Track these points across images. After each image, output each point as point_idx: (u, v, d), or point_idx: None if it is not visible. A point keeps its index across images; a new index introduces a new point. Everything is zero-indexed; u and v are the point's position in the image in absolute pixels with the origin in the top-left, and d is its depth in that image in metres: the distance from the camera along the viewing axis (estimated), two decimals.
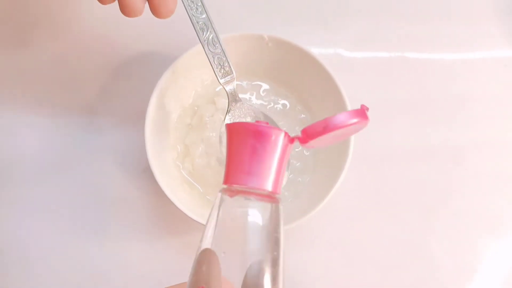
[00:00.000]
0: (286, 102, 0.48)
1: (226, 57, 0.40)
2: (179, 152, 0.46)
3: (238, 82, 0.48)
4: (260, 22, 0.53)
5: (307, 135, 0.27)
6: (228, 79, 0.41)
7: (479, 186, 0.50)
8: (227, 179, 0.28)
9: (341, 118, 0.26)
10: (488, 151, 0.51)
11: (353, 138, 0.43)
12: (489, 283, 0.48)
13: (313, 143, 0.28)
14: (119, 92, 0.50)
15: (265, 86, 0.48)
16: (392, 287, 0.48)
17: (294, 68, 0.46)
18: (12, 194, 0.48)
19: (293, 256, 0.47)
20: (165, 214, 0.47)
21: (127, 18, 0.37)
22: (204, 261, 0.26)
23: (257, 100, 0.48)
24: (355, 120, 0.26)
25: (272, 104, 0.48)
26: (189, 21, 0.39)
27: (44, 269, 0.46)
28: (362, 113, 0.27)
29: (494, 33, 0.54)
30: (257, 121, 0.29)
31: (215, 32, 0.39)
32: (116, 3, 0.36)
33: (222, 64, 0.40)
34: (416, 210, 0.49)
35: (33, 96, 0.50)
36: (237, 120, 0.42)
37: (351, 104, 0.44)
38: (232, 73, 0.40)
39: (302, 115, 0.48)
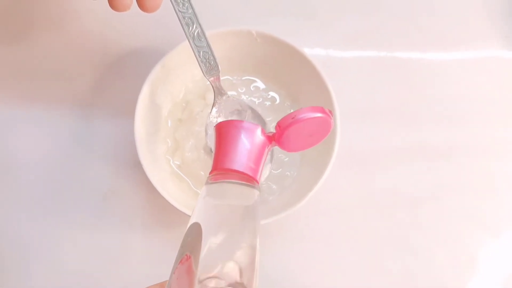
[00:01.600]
0: (275, 97, 0.49)
1: (211, 52, 0.41)
2: (169, 146, 0.47)
3: (228, 77, 0.48)
4: (253, 18, 0.53)
5: (280, 128, 0.31)
6: (213, 73, 0.42)
7: (471, 185, 0.51)
8: (211, 169, 0.32)
9: (306, 110, 0.31)
10: (480, 150, 0.51)
11: (339, 134, 0.43)
12: (486, 282, 0.49)
13: (289, 142, 0.32)
14: (111, 86, 0.51)
15: (254, 81, 0.49)
16: (381, 283, 0.48)
17: (283, 64, 0.47)
18: (2, 187, 0.49)
19: (281, 251, 0.48)
20: (156, 207, 0.48)
21: (118, 14, 0.38)
22: (190, 233, 0.29)
23: (247, 95, 0.48)
24: (318, 115, 0.31)
25: (261, 100, 0.48)
26: (178, 20, 0.40)
27: (36, 262, 0.47)
28: (323, 110, 0.31)
29: (486, 33, 0.54)
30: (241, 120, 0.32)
31: (200, 27, 0.40)
32: None
33: (207, 58, 0.41)
34: (404, 207, 0.50)
35: (26, 91, 0.51)
36: (223, 113, 0.43)
37: (339, 102, 0.44)
38: (218, 67, 0.41)
39: (291, 110, 0.48)
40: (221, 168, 0.31)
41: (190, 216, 0.40)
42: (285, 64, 0.47)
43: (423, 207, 0.50)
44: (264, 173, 0.42)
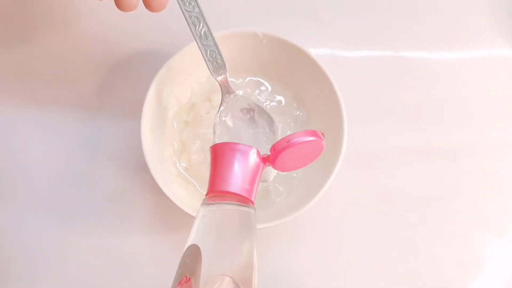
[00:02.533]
0: (281, 99, 0.49)
1: (218, 50, 0.41)
2: (175, 149, 0.47)
3: (233, 80, 0.48)
4: (255, 19, 0.53)
5: (275, 151, 0.33)
6: (220, 72, 0.42)
7: (476, 185, 0.51)
8: (208, 191, 0.32)
9: (301, 134, 0.32)
10: (486, 150, 0.52)
11: (345, 136, 0.44)
12: (490, 282, 0.49)
13: (283, 163, 0.33)
14: (116, 89, 0.51)
15: (260, 82, 0.49)
16: (386, 283, 0.48)
17: (289, 65, 0.47)
18: (9, 189, 0.48)
19: (286, 251, 0.48)
20: (162, 210, 0.48)
21: (125, 16, 0.38)
22: (189, 255, 0.30)
23: (253, 97, 0.48)
24: (312, 138, 0.32)
25: (268, 102, 0.48)
26: (185, 19, 0.40)
27: (42, 264, 0.47)
28: (317, 133, 0.33)
29: (490, 32, 0.54)
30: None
31: (207, 26, 0.40)
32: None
33: (214, 57, 0.41)
34: (410, 207, 0.50)
35: (31, 93, 0.51)
36: (231, 111, 0.43)
37: (345, 102, 0.44)
38: (225, 65, 0.41)
39: (298, 112, 0.48)
40: (217, 190, 0.32)
41: (195, 217, 0.40)
42: (291, 65, 0.47)
43: (428, 207, 0.50)
44: (273, 172, 0.42)
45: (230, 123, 0.43)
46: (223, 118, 0.43)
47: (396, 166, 0.50)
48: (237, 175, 0.32)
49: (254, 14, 0.53)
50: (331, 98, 0.45)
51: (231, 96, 0.43)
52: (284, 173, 0.47)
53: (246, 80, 0.49)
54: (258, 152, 0.33)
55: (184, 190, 0.46)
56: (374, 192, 0.50)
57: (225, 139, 0.42)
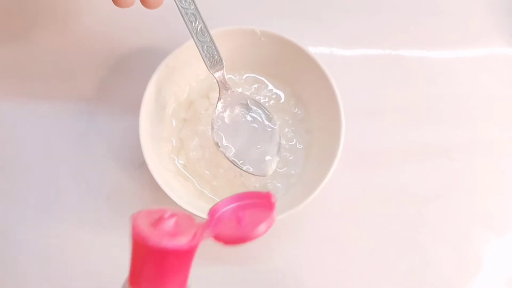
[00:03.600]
0: (279, 96, 0.49)
1: (215, 46, 0.41)
2: (173, 146, 0.47)
3: (231, 77, 0.48)
4: (255, 18, 0.53)
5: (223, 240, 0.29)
6: (217, 68, 0.42)
7: (477, 184, 0.51)
8: (130, 282, 0.30)
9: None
10: (486, 149, 0.51)
11: (343, 133, 0.44)
12: (491, 281, 0.49)
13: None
14: (115, 86, 0.51)
15: (258, 80, 0.49)
16: (386, 282, 0.48)
17: (287, 62, 0.47)
18: (8, 185, 0.49)
19: (286, 251, 0.48)
20: (161, 206, 0.48)
21: (123, 13, 0.38)
22: None
23: (250, 94, 0.48)
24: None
25: (266, 99, 0.48)
26: (181, 16, 0.40)
27: (40, 263, 0.47)
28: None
29: (490, 31, 0.54)
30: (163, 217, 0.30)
31: (203, 22, 0.40)
32: None
33: (211, 53, 0.41)
34: (409, 205, 0.49)
35: (30, 90, 0.51)
36: (228, 107, 0.43)
37: (343, 101, 0.44)
38: (221, 61, 0.42)
39: (296, 110, 0.48)
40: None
41: (194, 215, 0.41)
42: (289, 62, 0.47)
43: (428, 206, 0.50)
44: (272, 166, 0.43)
45: (228, 119, 0.43)
46: (221, 114, 0.43)
47: (396, 165, 0.50)
48: (158, 276, 0.28)
49: (253, 14, 0.53)
50: (329, 95, 0.45)
51: (229, 92, 0.43)
52: (283, 170, 0.47)
53: (244, 77, 0.49)
54: (192, 237, 0.28)
55: (182, 187, 0.46)
56: (374, 191, 0.50)
57: (223, 134, 0.43)
